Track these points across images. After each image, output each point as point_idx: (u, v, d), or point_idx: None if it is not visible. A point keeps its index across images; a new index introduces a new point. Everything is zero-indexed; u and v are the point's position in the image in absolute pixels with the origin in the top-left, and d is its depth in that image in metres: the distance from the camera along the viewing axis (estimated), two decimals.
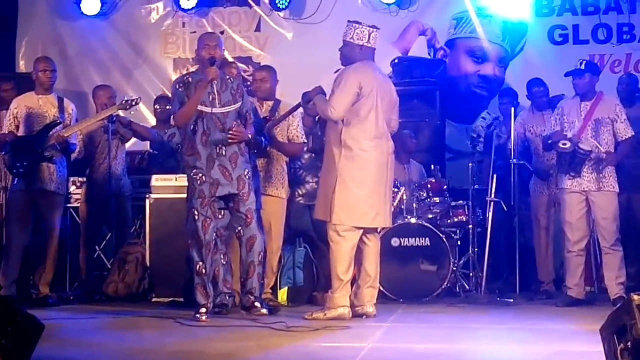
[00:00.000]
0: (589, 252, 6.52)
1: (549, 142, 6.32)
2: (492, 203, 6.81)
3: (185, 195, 6.26)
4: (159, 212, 6.52)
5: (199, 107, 5.33)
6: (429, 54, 8.59)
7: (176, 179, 6.57)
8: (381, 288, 5.99)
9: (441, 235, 6.55)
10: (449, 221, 6.85)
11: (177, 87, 5.47)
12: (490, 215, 6.78)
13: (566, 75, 6.31)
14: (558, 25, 8.41)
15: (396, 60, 8.11)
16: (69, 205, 7.19)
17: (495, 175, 6.83)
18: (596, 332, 3.30)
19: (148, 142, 7.52)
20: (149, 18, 9.03)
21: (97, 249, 7.23)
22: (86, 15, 8.81)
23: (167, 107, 7.73)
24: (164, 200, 6.53)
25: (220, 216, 5.46)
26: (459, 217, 6.85)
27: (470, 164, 6.99)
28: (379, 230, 5.68)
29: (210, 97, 5.37)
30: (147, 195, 6.61)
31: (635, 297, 3.01)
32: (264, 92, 6.14)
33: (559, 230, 6.52)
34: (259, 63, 8.42)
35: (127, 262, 6.57)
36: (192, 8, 8.75)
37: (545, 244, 6.90)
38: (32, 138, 6.28)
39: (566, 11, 8.41)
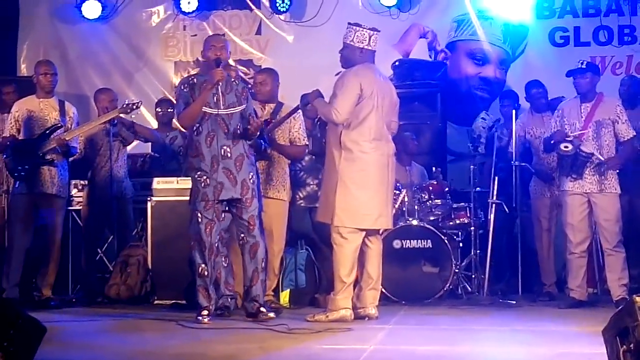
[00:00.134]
0: (591, 254, 6.52)
1: (551, 142, 6.30)
2: (493, 205, 6.80)
3: (187, 198, 6.28)
4: (161, 215, 6.53)
5: (204, 108, 5.33)
6: (430, 57, 8.60)
7: (178, 181, 6.58)
8: (383, 290, 6.00)
9: (443, 237, 6.55)
10: (450, 223, 6.85)
11: (182, 87, 5.47)
12: (492, 217, 6.78)
13: (568, 75, 6.31)
14: (559, 28, 8.42)
15: (397, 63, 8.11)
16: (70, 208, 7.20)
17: (496, 177, 6.82)
18: (599, 334, 3.30)
19: (150, 144, 7.52)
20: (150, 21, 9.03)
21: (99, 251, 7.23)
22: (87, 19, 8.82)
23: (169, 110, 7.77)
24: (165, 203, 6.53)
25: (221, 219, 5.46)
26: (461, 219, 6.85)
27: (471, 166, 6.99)
28: (380, 232, 5.68)
29: (215, 98, 5.37)
30: (148, 198, 6.61)
31: (638, 298, 3.00)
32: (264, 94, 6.15)
33: (561, 232, 6.51)
34: (260, 66, 8.43)
35: (129, 264, 6.57)
36: (193, 11, 8.76)
37: (547, 246, 6.89)
38: (33, 141, 6.29)
39: (567, 13, 8.42)
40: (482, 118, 8.05)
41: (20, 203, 6.31)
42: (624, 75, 7.81)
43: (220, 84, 5.37)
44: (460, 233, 6.90)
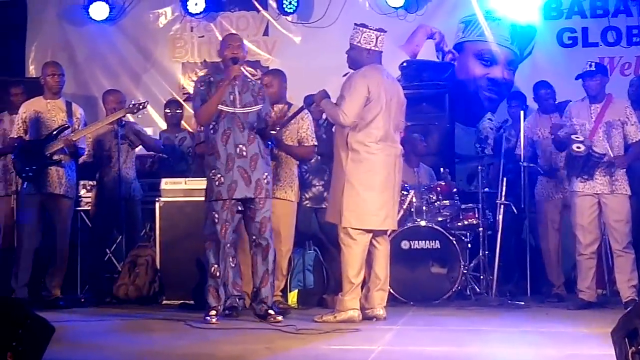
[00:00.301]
0: (600, 255, 6.49)
1: (561, 134, 6.26)
2: (502, 206, 6.79)
3: (195, 199, 6.30)
4: (169, 215, 6.54)
5: (220, 107, 5.34)
6: (438, 58, 8.59)
7: (186, 182, 6.60)
8: (391, 291, 5.99)
9: (451, 238, 6.54)
10: (459, 224, 6.84)
11: (199, 85, 5.49)
12: (500, 218, 6.76)
13: (577, 78, 6.29)
14: (567, 28, 8.40)
15: (405, 64, 8.11)
16: (79, 208, 7.23)
17: (505, 179, 6.80)
18: (608, 336, 3.29)
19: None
20: (157, 23, 9.05)
21: (108, 251, 7.26)
22: (95, 20, 8.84)
23: (178, 111, 7.81)
24: (173, 204, 6.54)
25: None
26: (469, 220, 6.83)
27: (479, 167, 6.98)
28: (388, 233, 5.68)
29: (231, 97, 5.38)
30: (157, 199, 6.63)
31: None
32: (270, 96, 6.13)
33: (569, 233, 6.49)
34: (268, 67, 8.43)
35: (137, 265, 6.59)
36: (200, 13, 8.77)
37: (555, 247, 6.87)
38: (40, 142, 6.30)
39: (575, 14, 8.40)
40: (489, 119, 8.04)
41: (28, 203, 6.32)
42: (632, 75, 7.81)
43: (238, 82, 5.38)
44: (468, 234, 6.88)
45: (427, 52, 8.59)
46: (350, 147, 5.37)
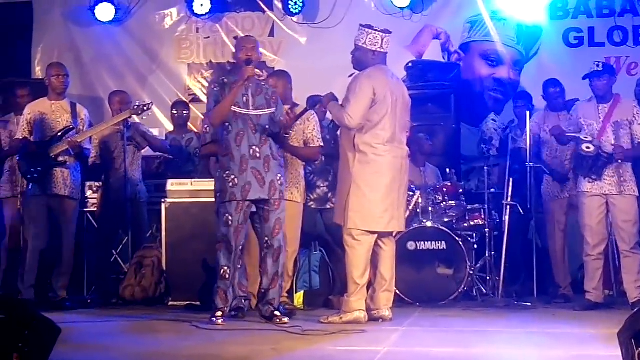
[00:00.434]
0: (607, 256, 6.47)
1: (566, 134, 6.26)
2: (508, 206, 6.77)
3: (201, 200, 6.32)
4: (175, 217, 6.55)
5: (233, 108, 5.34)
6: (443, 58, 8.57)
7: (192, 183, 6.62)
8: (397, 292, 5.98)
9: (457, 238, 6.53)
10: (465, 225, 6.83)
11: (213, 87, 5.51)
12: (506, 218, 6.74)
13: (584, 78, 6.28)
14: (573, 28, 8.37)
15: (410, 64, 8.09)
16: (85, 209, 7.24)
17: (511, 179, 6.79)
18: (615, 337, 3.29)
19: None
20: (163, 24, 9.05)
21: (114, 252, 7.26)
22: (100, 21, 8.84)
23: (184, 112, 7.82)
24: (179, 205, 6.55)
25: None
26: (475, 221, 6.82)
27: (485, 168, 6.97)
28: (394, 234, 5.67)
29: (245, 99, 5.39)
30: (163, 200, 6.63)
31: None
32: None
33: (576, 234, 6.48)
34: (273, 68, 8.42)
35: (143, 266, 6.59)
36: (206, 14, 8.76)
37: (562, 248, 6.85)
38: (45, 144, 6.31)
39: (581, 14, 8.37)
40: (492, 120, 8.04)
41: (33, 205, 6.33)
42: (639, 75, 7.76)
43: (251, 84, 5.39)
44: (474, 234, 6.87)
45: (432, 53, 8.57)
46: (357, 149, 5.37)
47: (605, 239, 6.22)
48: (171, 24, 9.04)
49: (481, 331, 5.13)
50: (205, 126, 5.93)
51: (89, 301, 6.69)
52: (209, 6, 8.70)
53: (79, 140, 6.32)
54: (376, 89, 5.36)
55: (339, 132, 5.93)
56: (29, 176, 6.30)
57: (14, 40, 8.86)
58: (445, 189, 6.86)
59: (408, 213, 6.47)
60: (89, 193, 7.23)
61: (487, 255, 6.79)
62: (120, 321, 5.63)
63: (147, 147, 7.20)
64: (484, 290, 6.75)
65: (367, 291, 5.43)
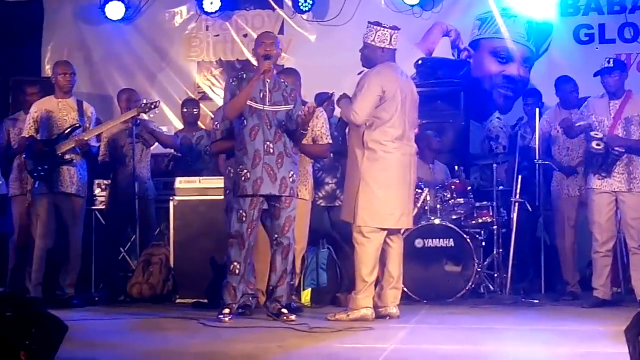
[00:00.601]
0: (615, 253, 6.45)
1: (576, 124, 6.23)
2: (516, 204, 6.76)
3: (209, 197, 6.33)
4: (183, 214, 6.57)
5: (249, 103, 5.35)
6: (453, 55, 8.55)
7: (200, 181, 6.63)
8: (405, 289, 5.97)
9: (465, 236, 6.52)
10: (473, 222, 6.82)
11: (231, 81, 5.52)
12: (514, 215, 6.73)
13: (595, 75, 6.25)
14: (584, 25, 8.33)
15: (420, 61, 8.08)
16: (94, 207, 7.26)
17: (519, 176, 6.77)
18: (622, 334, 3.27)
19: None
20: (173, 22, 9.07)
21: (122, 250, 7.28)
22: (110, 19, 8.86)
23: (195, 110, 7.83)
24: (187, 202, 6.57)
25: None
26: (484, 218, 6.81)
27: (494, 165, 6.95)
28: (402, 231, 5.67)
29: (261, 94, 5.39)
30: (171, 198, 6.65)
31: None
32: None
33: (585, 231, 6.45)
34: (283, 65, 8.40)
35: (151, 263, 6.61)
36: (216, 11, 8.77)
37: (571, 245, 6.83)
38: (52, 142, 6.33)
39: (592, 10, 8.33)
40: (497, 118, 8.02)
41: (40, 203, 6.35)
42: None
43: (269, 80, 5.39)
44: (482, 232, 6.86)
45: (442, 50, 8.55)
46: (367, 146, 5.36)
47: (614, 236, 6.20)
48: (181, 21, 9.06)
49: (489, 328, 5.11)
50: (216, 123, 5.93)
51: (96, 299, 6.71)
52: (219, 4, 8.71)
53: (86, 138, 6.34)
54: (385, 86, 5.36)
55: (347, 129, 5.92)
56: (35, 174, 6.32)
57: (24, 38, 8.89)
58: (453, 186, 6.85)
59: (416, 210, 6.47)
60: (97, 191, 7.26)
61: (494, 252, 6.77)
62: (127, 319, 5.65)
63: (157, 145, 7.21)
64: (492, 288, 6.74)
65: (375, 288, 5.43)
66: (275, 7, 8.88)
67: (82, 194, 6.43)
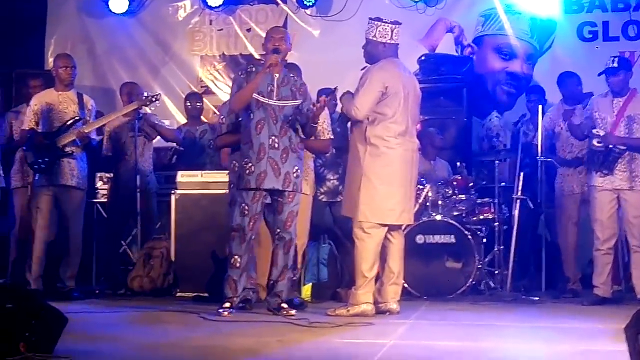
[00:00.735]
0: (616, 251, 6.44)
1: (577, 122, 6.22)
2: (518, 200, 6.75)
3: (210, 191, 6.33)
4: (184, 208, 6.57)
5: (256, 96, 5.34)
6: (456, 51, 8.54)
7: (202, 175, 6.64)
8: (405, 285, 5.98)
9: (466, 232, 6.52)
10: (474, 218, 6.82)
11: (240, 74, 5.53)
12: (516, 212, 6.72)
13: (600, 74, 6.25)
14: (587, 22, 8.31)
15: (423, 58, 8.08)
16: (95, 200, 7.27)
17: (522, 173, 6.76)
18: (622, 331, 3.26)
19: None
20: (176, 16, 9.06)
21: (123, 243, 7.29)
22: (114, 13, 8.87)
23: (198, 104, 7.83)
24: (189, 196, 6.58)
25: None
26: (485, 215, 6.81)
27: (496, 162, 6.95)
28: (403, 227, 5.67)
29: (269, 88, 5.38)
30: (172, 191, 6.65)
31: None
32: None
33: (587, 228, 6.45)
34: (286, 60, 8.41)
35: (152, 257, 6.61)
36: (219, 6, 8.78)
37: (573, 242, 6.82)
38: (53, 134, 6.33)
39: (596, 8, 8.31)
40: (497, 116, 8.02)
41: (40, 195, 6.35)
42: None
43: (278, 74, 5.38)
44: (484, 228, 6.86)
45: (446, 46, 8.54)
46: (369, 142, 5.36)
47: (616, 233, 6.19)
48: (184, 15, 9.06)
49: (489, 325, 5.11)
50: (222, 117, 5.91)
51: (97, 291, 6.73)
52: None
53: (86, 131, 6.34)
54: (387, 82, 5.35)
55: (349, 125, 5.92)
56: (35, 167, 6.32)
57: (27, 31, 8.90)
58: (455, 183, 6.85)
59: (418, 206, 6.47)
60: (99, 184, 7.27)
61: (496, 249, 6.77)
62: (128, 312, 5.65)
63: (159, 139, 7.22)
64: (492, 284, 6.74)
65: (375, 284, 5.43)
66: (279, 1, 8.87)
67: (83, 187, 6.43)
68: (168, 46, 9.06)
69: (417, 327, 5.02)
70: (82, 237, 6.47)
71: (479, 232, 6.80)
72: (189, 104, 7.83)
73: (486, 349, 4.23)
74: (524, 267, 7.08)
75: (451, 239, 6.53)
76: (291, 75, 5.54)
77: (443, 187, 6.83)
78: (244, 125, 5.41)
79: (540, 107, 6.86)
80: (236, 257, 5.31)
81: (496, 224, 6.77)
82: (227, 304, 5.26)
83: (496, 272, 6.78)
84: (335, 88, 6.04)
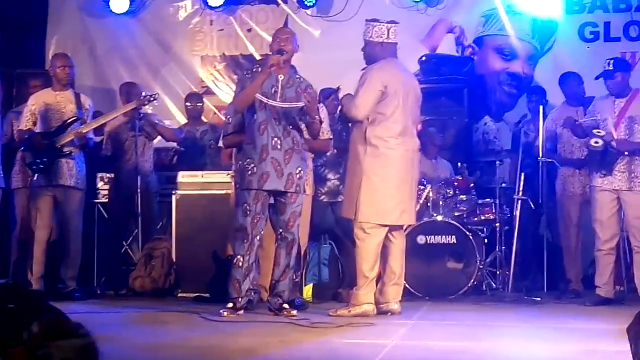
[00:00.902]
0: (618, 252, 6.44)
1: (576, 123, 6.24)
2: (519, 201, 6.75)
3: (211, 192, 6.32)
4: (185, 208, 6.57)
5: (259, 97, 5.33)
6: (457, 52, 8.52)
7: (202, 175, 6.64)
8: (407, 285, 5.97)
9: (468, 233, 6.52)
10: (475, 219, 6.82)
11: (244, 73, 5.54)
12: (517, 213, 6.72)
13: (597, 78, 6.25)
14: (589, 23, 8.30)
15: (424, 58, 8.08)
16: (96, 201, 7.26)
17: (523, 174, 6.76)
18: (624, 332, 3.25)
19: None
20: (177, 16, 9.05)
21: (124, 244, 7.28)
22: (115, 13, 8.85)
23: (198, 104, 7.82)
24: (190, 197, 6.58)
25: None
26: (486, 215, 6.81)
27: (497, 162, 6.95)
28: (404, 227, 5.66)
29: (273, 89, 5.37)
30: (173, 192, 6.65)
31: None
32: None
33: (588, 229, 6.44)
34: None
35: (153, 257, 6.61)
36: (220, 6, 8.76)
37: (574, 243, 6.81)
38: (51, 134, 6.32)
39: (597, 8, 8.29)
40: (490, 120, 8.03)
41: (39, 196, 6.34)
42: None
43: (283, 76, 5.36)
44: (485, 229, 6.87)
45: (446, 46, 8.53)
46: (369, 142, 5.36)
47: (617, 234, 6.19)
48: (185, 16, 9.04)
49: (490, 325, 5.11)
50: (228, 117, 5.88)
51: (98, 292, 6.73)
52: None
53: (84, 131, 6.32)
54: (386, 81, 5.35)
55: (350, 124, 5.91)
56: (34, 167, 6.30)
57: (28, 31, 8.89)
58: (456, 183, 6.85)
59: (418, 206, 6.46)
60: (100, 184, 7.27)
61: (497, 249, 6.78)
62: (129, 312, 5.66)
63: (160, 139, 7.21)
64: (494, 285, 6.74)
65: (376, 284, 5.42)
66: (280, 2, 8.86)
67: (81, 187, 6.42)
68: (169, 46, 9.05)
69: (419, 328, 5.02)
70: (82, 238, 6.47)
71: (480, 233, 6.80)
72: (189, 104, 7.83)
73: (488, 350, 4.24)
74: (526, 268, 7.07)
75: (452, 239, 6.52)
76: (297, 76, 5.52)
77: (444, 187, 6.83)
78: (248, 126, 5.41)
79: (541, 107, 6.85)
80: (239, 257, 5.31)
81: (497, 224, 6.77)
82: (230, 305, 5.26)
83: (498, 272, 6.78)
84: (337, 88, 6.05)
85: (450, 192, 6.80)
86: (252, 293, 5.59)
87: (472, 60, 8.36)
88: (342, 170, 6.40)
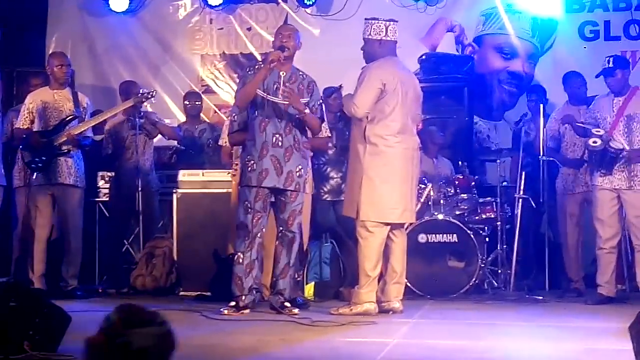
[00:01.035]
0: (620, 250, 6.44)
1: (577, 124, 6.24)
2: (520, 200, 6.75)
3: (212, 190, 6.31)
4: (186, 207, 6.56)
5: (261, 94, 5.32)
6: (457, 51, 8.53)
7: (203, 174, 6.63)
8: (408, 284, 5.98)
9: (469, 231, 6.51)
10: (477, 218, 6.81)
11: (247, 70, 5.53)
12: (518, 212, 6.72)
13: (597, 76, 6.25)
14: (589, 22, 8.30)
15: (424, 57, 8.07)
16: (97, 199, 7.25)
17: (524, 172, 6.76)
18: (626, 330, 3.26)
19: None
20: (177, 15, 9.05)
21: (125, 242, 7.28)
22: (115, 12, 8.85)
23: (197, 103, 7.82)
24: (191, 195, 6.57)
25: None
26: (487, 214, 6.80)
27: (498, 161, 6.94)
28: (405, 226, 5.66)
29: (275, 86, 5.36)
30: (174, 190, 6.64)
31: None
32: None
33: (590, 227, 6.44)
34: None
35: (154, 256, 6.61)
36: (220, 5, 8.76)
37: (575, 242, 6.82)
38: (49, 133, 6.31)
39: (597, 7, 8.29)
40: (482, 120, 8.04)
41: (38, 195, 6.33)
42: None
43: (284, 72, 5.35)
44: (486, 228, 6.86)
45: (446, 45, 8.53)
46: (368, 140, 5.36)
47: (618, 233, 6.19)
48: (185, 14, 9.04)
49: (492, 324, 5.12)
50: (234, 114, 5.88)
51: (100, 290, 6.72)
52: None
53: (76, 133, 6.29)
54: (385, 80, 5.35)
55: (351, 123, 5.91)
56: (33, 165, 6.29)
57: (28, 30, 8.88)
58: (457, 182, 6.85)
59: (420, 205, 6.46)
60: (101, 183, 7.26)
61: (498, 248, 6.77)
62: None
63: (160, 137, 7.21)
64: (495, 284, 6.74)
65: (378, 283, 5.42)
66: (279, 0, 8.86)
67: (81, 185, 6.41)
68: (168, 45, 9.04)
69: (420, 326, 5.02)
70: (82, 236, 6.46)
71: (481, 232, 6.80)
72: (187, 103, 7.83)
73: (490, 348, 4.23)
74: (527, 267, 7.07)
75: (454, 238, 6.51)
76: (300, 73, 5.51)
77: (445, 186, 6.83)
78: (250, 123, 5.41)
79: (541, 106, 6.85)
80: (240, 254, 5.31)
81: (498, 223, 6.77)
82: (233, 303, 5.25)
83: (499, 271, 6.78)
84: (340, 86, 6.04)
85: (451, 191, 6.80)
86: (254, 292, 5.59)
87: (472, 59, 8.36)
88: (344, 169, 6.39)
